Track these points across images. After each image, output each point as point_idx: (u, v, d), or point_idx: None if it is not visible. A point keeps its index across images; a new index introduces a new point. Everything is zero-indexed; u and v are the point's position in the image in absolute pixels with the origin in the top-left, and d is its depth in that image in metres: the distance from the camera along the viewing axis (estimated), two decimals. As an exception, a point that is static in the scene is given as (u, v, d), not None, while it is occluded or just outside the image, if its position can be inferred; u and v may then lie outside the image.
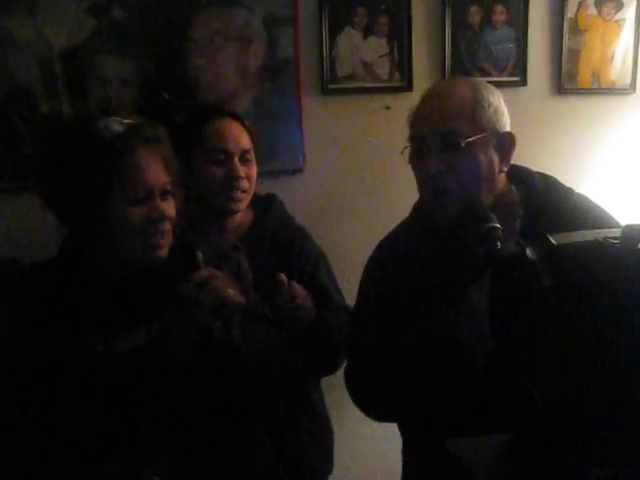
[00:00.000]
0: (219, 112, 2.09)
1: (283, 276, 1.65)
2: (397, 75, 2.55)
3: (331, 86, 2.52)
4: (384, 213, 2.52)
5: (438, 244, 1.59)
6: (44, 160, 1.51)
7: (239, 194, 2.00)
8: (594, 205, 1.73)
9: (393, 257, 1.72)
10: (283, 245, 2.06)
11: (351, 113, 2.57)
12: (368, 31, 2.50)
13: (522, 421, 1.34)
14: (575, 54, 2.66)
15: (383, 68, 2.54)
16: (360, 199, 2.59)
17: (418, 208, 1.78)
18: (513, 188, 1.69)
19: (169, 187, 1.48)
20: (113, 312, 1.46)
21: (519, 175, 1.71)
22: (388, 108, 2.58)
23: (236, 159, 2.00)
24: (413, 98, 2.51)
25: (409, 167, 2.54)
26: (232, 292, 1.47)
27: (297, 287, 1.70)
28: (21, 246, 2.35)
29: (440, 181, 1.57)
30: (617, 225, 1.64)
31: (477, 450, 1.41)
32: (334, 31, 2.48)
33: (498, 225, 1.50)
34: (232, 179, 1.98)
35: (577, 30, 2.65)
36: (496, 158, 1.61)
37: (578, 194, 1.74)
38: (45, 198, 1.48)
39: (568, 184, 1.77)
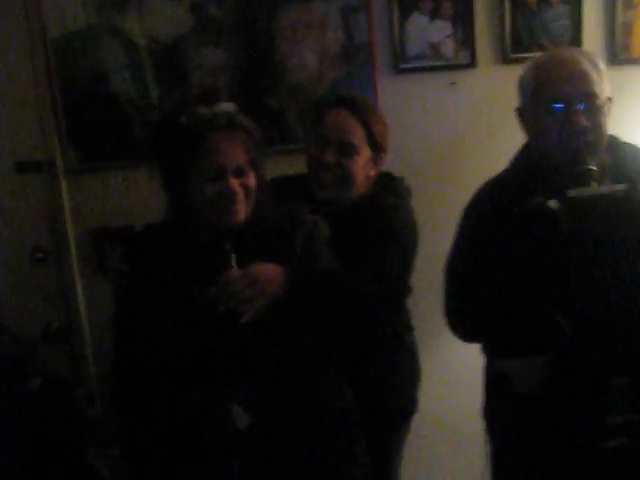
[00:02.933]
0: (337, 103, 2.24)
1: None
2: (461, 54, 2.78)
3: (402, 66, 2.78)
4: (455, 181, 2.75)
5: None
6: (150, 141, 1.87)
7: (327, 176, 2.16)
8: None
9: (488, 203, 1.93)
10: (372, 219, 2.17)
11: (421, 89, 2.82)
12: (434, 14, 2.75)
13: (556, 344, 1.62)
14: (628, 27, 2.82)
15: (448, 47, 2.78)
16: (431, 167, 2.84)
17: (521, 161, 1.98)
18: (605, 155, 1.88)
19: (245, 167, 1.72)
20: (206, 267, 1.72)
21: (609, 143, 1.90)
22: (454, 84, 2.82)
23: (331, 148, 2.15)
24: (477, 74, 2.80)
25: (476, 135, 2.81)
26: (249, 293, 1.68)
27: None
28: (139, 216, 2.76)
29: (585, 137, 1.77)
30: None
31: (520, 368, 1.70)
32: (403, 16, 2.74)
33: (594, 167, 1.69)
34: (322, 164, 2.15)
35: (630, 4, 2.81)
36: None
37: None
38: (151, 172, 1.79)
39: None
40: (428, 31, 2.77)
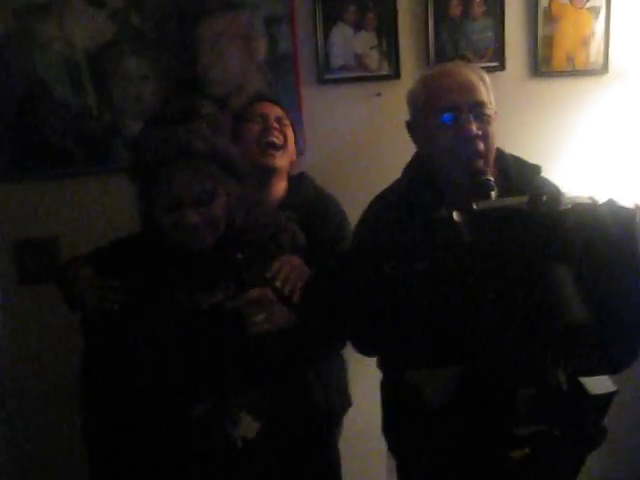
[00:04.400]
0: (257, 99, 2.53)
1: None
2: (386, 65, 2.80)
3: (326, 76, 2.79)
4: (379, 190, 2.78)
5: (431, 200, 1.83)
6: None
7: (273, 151, 2.34)
8: (553, 184, 1.98)
9: (379, 215, 1.98)
10: (315, 213, 2.36)
11: (345, 100, 2.82)
12: (358, 26, 2.75)
13: (462, 355, 1.62)
14: (549, 40, 2.87)
15: (373, 59, 2.79)
16: (356, 177, 2.83)
17: (413, 172, 2.03)
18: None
19: (206, 196, 1.69)
20: (194, 276, 1.74)
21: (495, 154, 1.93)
22: (379, 95, 2.83)
23: (272, 120, 2.38)
24: (401, 85, 2.81)
25: (399, 145, 2.80)
26: (273, 318, 1.73)
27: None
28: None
29: (476, 144, 1.80)
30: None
31: (430, 379, 1.70)
32: (327, 27, 2.75)
33: (491, 178, 1.71)
34: (267, 130, 2.36)
35: (551, 18, 2.86)
36: None
37: (541, 175, 1.98)
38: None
39: (545, 161, 2.01)
40: (352, 42, 2.78)
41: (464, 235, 1.45)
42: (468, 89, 1.84)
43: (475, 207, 1.48)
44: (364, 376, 2.75)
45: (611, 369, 1.61)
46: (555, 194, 1.44)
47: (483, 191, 1.71)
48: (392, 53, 2.80)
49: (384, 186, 2.14)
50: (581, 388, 1.58)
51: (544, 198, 1.43)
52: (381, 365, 2.07)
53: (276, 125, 2.38)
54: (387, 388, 2.08)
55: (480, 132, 1.81)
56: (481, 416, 1.62)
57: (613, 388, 1.61)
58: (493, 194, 1.69)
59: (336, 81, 2.81)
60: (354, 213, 2.62)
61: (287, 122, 2.43)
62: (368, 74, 2.82)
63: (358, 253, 1.98)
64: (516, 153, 2.02)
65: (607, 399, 1.62)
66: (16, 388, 2.82)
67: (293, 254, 1.90)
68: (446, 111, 1.83)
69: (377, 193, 2.15)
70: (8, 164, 2.74)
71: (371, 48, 2.79)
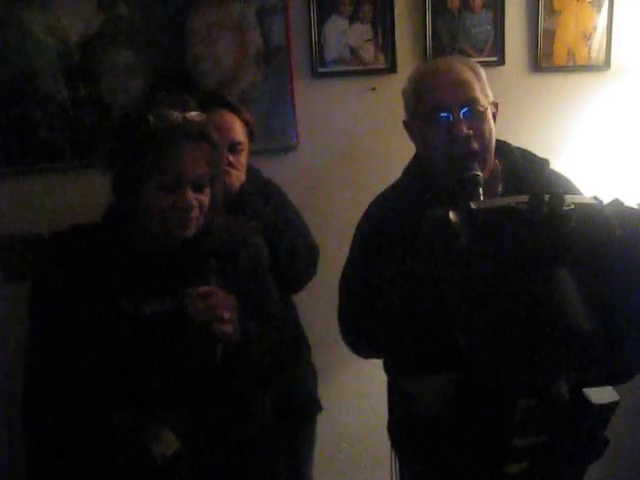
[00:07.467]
0: (217, 103, 2.25)
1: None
2: (381, 58, 2.73)
3: (320, 70, 2.70)
4: (372, 186, 2.70)
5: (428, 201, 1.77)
6: (107, 137, 1.76)
7: (229, 178, 2.17)
8: (563, 177, 1.94)
9: (381, 215, 1.92)
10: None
11: (339, 94, 2.75)
12: (353, 18, 2.68)
13: (458, 362, 1.55)
14: (550, 34, 2.81)
15: (368, 52, 2.71)
16: (349, 173, 2.78)
17: (413, 171, 1.97)
18: (496, 161, 1.88)
19: (204, 181, 1.66)
20: (144, 279, 1.67)
21: (500, 148, 1.90)
22: (374, 89, 2.76)
23: (225, 150, 2.13)
24: (397, 79, 2.73)
25: (393, 141, 2.76)
26: (227, 316, 1.60)
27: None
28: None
29: (469, 144, 1.75)
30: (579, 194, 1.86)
31: (423, 387, 1.63)
32: (322, 19, 2.66)
33: (479, 173, 1.70)
34: None
35: (552, 12, 2.80)
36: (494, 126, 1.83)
37: (550, 169, 1.92)
38: (104, 169, 1.70)
39: (545, 157, 1.97)
40: (347, 35, 2.70)
41: (461, 236, 1.38)
42: (459, 86, 1.78)
43: (473, 206, 1.40)
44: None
45: (620, 379, 1.53)
46: (558, 193, 1.35)
47: (470, 187, 1.66)
48: (388, 46, 2.73)
49: (378, 182, 2.09)
50: (584, 398, 1.51)
51: (546, 198, 1.36)
52: (385, 367, 2.03)
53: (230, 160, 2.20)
54: (390, 390, 2.05)
55: (472, 131, 1.75)
56: (478, 426, 1.55)
57: (616, 397, 1.55)
58: (481, 190, 1.66)
59: (330, 74, 2.73)
60: (347, 209, 2.58)
61: (244, 146, 2.25)
62: (363, 68, 2.75)
63: (358, 254, 1.91)
64: (515, 150, 1.95)
65: (611, 409, 1.55)
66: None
67: (252, 276, 1.80)
68: (437, 111, 1.78)
69: (371, 189, 2.10)
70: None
71: (366, 41, 2.71)
